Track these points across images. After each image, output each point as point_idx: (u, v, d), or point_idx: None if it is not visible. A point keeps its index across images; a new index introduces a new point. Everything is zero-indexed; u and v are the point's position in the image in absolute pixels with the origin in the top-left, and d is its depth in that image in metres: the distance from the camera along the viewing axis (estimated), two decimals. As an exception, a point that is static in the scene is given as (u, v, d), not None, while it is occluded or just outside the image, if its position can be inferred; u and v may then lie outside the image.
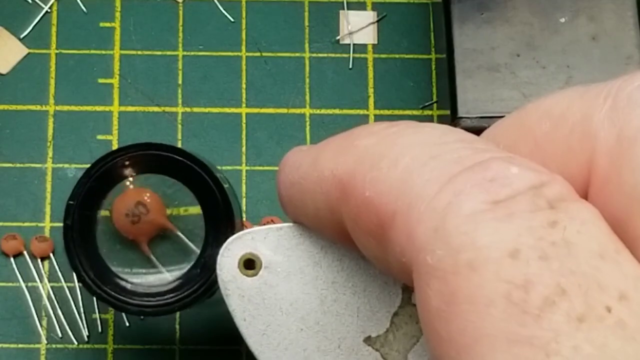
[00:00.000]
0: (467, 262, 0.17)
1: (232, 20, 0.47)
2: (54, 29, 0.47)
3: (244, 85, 0.47)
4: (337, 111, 0.47)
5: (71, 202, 0.36)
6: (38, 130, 0.46)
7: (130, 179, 0.37)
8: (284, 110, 0.46)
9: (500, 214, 0.17)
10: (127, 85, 0.46)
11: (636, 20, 0.43)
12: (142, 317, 0.42)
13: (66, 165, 0.45)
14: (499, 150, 0.20)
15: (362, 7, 0.48)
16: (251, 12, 0.47)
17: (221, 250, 0.26)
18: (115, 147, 0.46)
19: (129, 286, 0.37)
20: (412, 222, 0.19)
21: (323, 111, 0.46)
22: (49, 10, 0.47)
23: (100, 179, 0.36)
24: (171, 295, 0.36)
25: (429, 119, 0.46)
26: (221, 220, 0.35)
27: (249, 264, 0.25)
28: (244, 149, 0.46)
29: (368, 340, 0.25)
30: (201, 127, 0.46)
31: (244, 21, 0.47)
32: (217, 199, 0.35)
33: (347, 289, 0.25)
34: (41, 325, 0.43)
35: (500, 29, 0.43)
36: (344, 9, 0.48)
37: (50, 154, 0.45)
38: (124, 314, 0.42)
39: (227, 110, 0.46)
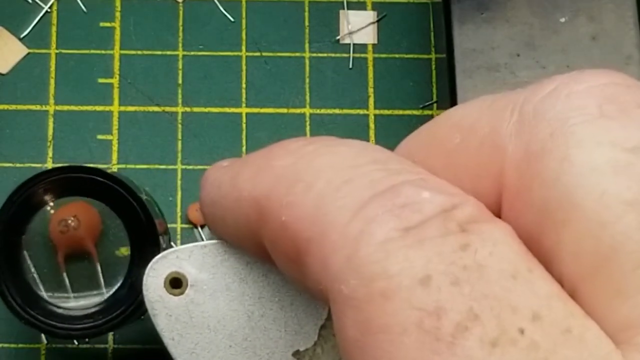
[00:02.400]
0: (380, 291, 0.17)
1: (232, 20, 0.47)
2: (54, 29, 0.47)
3: (244, 85, 0.47)
4: (337, 111, 0.47)
5: None
6: (38, 130, 0.46)
7: (52, 204, 0.37)
8: (284, 110, 0.46)
9: (411, 240, 0.17)
10: (127, 85, 0.46)
11: (636, 20, 0.43)
12: (74, 341, 0.42)
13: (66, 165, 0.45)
14: (413, 170, 0.19)
15: (362, 7, 0.48)
16: (251, 12, 0.47)
17: (147, 270, 0.26)
18: (115, 147, 0.46)
19: (57, 310, 0.36)
20: (326, 251, 0.18)
21: (323, 111, 0.46)
22: (49, 10, 0.47)
23: (23, 204, 0.36)
24: (99, 317, 0.36)
25: (429, 119, 0.46)
26: (146, 240, 0.35)
27: (175, 283, 0.25)
28: (244, 149, 0.46)
29: (297, 354, 0.25)
30: (201, 127, 0.46)
31: (244, 21, 0.47)
32: (140, 219, 0.35)
33: (274, 304, 0.25)
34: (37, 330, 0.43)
35: (500, 29, 0.43)
36: (344, 9, 0.48)
37: (50, 154, 0.45)
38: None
39: (227, 110, 0.46)
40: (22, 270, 0.37)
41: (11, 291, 0.36)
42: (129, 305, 0.35)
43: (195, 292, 0.25)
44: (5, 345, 0.43)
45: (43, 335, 0.43)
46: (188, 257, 0.25)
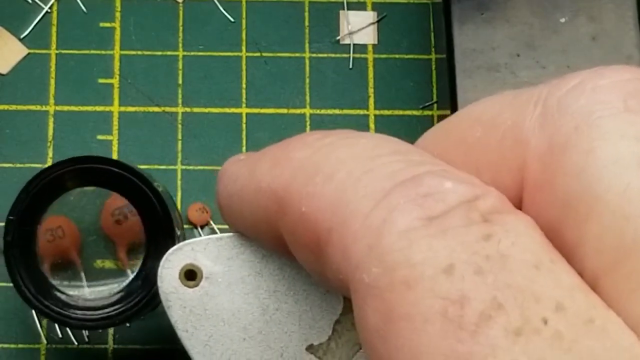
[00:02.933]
0: (403, 280, 0.17)
1: (232, 20, 0.47)
2: (54, 29, 0.47)
3: (244, 85, 0.47)
4: (337, 111, 0.47)
5: (11, 218, 0.36)
6: (38, 130, 0.46)
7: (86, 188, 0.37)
8: (284, 110, 0.46)
9: (434, 229, 0.17)
10: (127, 85, 0.46)
11: (636, 20, 0.43)
12: (85, 331, 0.42)
13: (66, 165, 0.45)
14: (434, 161, 0.19)
15: (362, 7, 0.48)
16: (251, 12, 0.47)
17: (162, 262, 0.26)
18: (115, 147, 0.46)
19: (70, 300, 0.37)
20: (347, 240, 0.18)
21: (323, 111, 0.46)
22: (49, 10, 0.47)
23: (38, 194, 0.36)
24: (113, 308, 0.36)
25: (429, 119, 0.46)
26: (161, 231, 0.35)
27: (190, 275, 0.25)
28: (244, 149, 0.46)
29: (310, 348, 0.25)
30: (201, 127, 0.46)
31: (244, 21, 0.47)
32: (156, 210, 0.35)
33: (288, 298, 0.25)
34: (41, 325, 0.43)
35: (500, 29, 0.43)
36: (344, 9, 0.48)
37: (50, 154, 0.45)
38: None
39: (227, 110, 0.46)
40: (36, 260, 0.37)
41: (25, 281, 0.36)
42: (144, 296, 0.35)
43: (210, 285, 0.25)
44: (5, 345, 0.43)
45: (43, 336, 0.43)
46: (203, 249, 0.25)
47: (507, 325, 0.16)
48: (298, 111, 0.46)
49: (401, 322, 0.17)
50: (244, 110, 0.46)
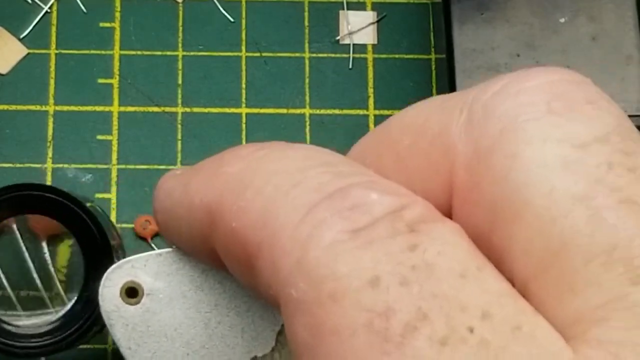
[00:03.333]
0: (329, 294, 0.17)
1: (232, 20, 0.47)
2: (54, 29, 0.47)
3: (244, 85, 0.47)
4: (337, 111, 0.47)
5: None
6: (38, 130, 0.46)
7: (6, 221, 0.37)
8: (284, 111, 0.46)
9: (359, 242, 0.17)
10: (127, 85, 0.46)
11: (636, 20, 0.43)
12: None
13: (66, 165, 0.45)
14: (363, 172, 0.19)
15: (362, 7, 0.48)
16: (251, 12, 0.47)
17: (102, 281, 0.25)
18: (115, 147, 0.46)
19: (13, 329, 0.36)
20: (275, 255, 0.18)
21: (323, 111, 0.46)
22: (49, 10, 0.47)
23: None
24: (57, 333, 0.36)
25: (429, 119, 0.46)
26: (99, 252, 0.35)
27: (131, 293, 0.25)
28: (244, 149, 0.46)
29: None
30: (201, 127, 0.46)
31: (244, 21, 0.47)
32: (93, 233, 0.35)
33: (230, 311, 0.25)
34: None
35: (500, 29, 0.43)
36: (344, 9, 0.48)
37: (50, 154, 0.45)
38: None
39: (226, 110, 0.46)
40: None
41: None
42: (87, 319, 0.35)
43: (152, 301, 0.25)
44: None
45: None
46: (143, 266, 0.25)
47: (433, 335, 0.16)
48: (298, 111, 0.46)
49: (329, 337, 0.17)
50: (243, 110, 0.46)
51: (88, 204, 0.36)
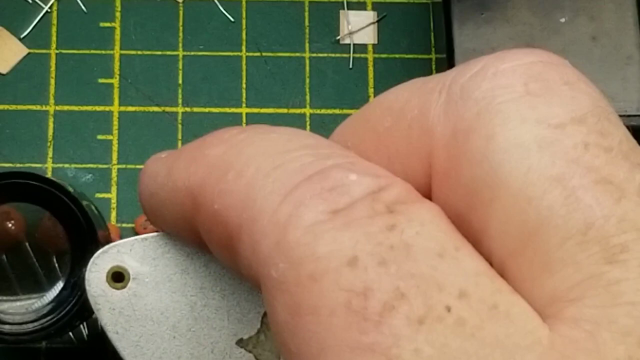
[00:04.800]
0: (309, 274, 0.17)
1: (232, 20, 0.47)
2: (54, 29, 0.47)
3: (244, 85, 0.47)
4: (337, 111, 0.47)
5: None
6: (38, 130, 0.46)
7: None
8: (284, 110, 0.46)
9: (339, 222, 0.17)
10: (127, 85, 0.46)
11: (636, 20, 0.43)
12: (21, 345, 0.42)
13: (66, 165, 0.45)
14: (343, 154, 0.20)
15: (362, 7, 0.48)
16: (251, 12, 0.48)
17: (88, 266, 0.26)
18: (115, 147, 0.46)
19: (1, 315, 0.37)
20: (256, 236, 0.19)
21: (323, 111, 0.46)
22: (49, 10, 0.47)
23: None
24: (46, 319, 0.36)
25: (429, 119, 0.46)
26: (85, 238, 0.35)
27: (117, 277, 0.25)
28: (244, 149, 0.46)
29: (240, 342, 0.25)
30: (201, 127, 0.46)
31: (244, 21, 0.47)
32: (78, 218, 0.36)
33: (215, 294, 0.25)
34: None
35: (500, 29, 0.43)
36: (344, 9, 0.48)
37: (50, 154, 0.45)
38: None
39: (227, 110, 0.46)
40: None
41: None
42: (75, 304, 0.35)
43: (138, 285, 0.25)
44: (6, 345, 0.43)
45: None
46: (129, 250, 0.26)
47: (410, 314, 0.16)
48: (298, 111, 0.46)
49: (308, 316, 0.17)
50: (244, 110, 0.46)
51: (84, 203, 0.36)
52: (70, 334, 0.43)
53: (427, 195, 0.19)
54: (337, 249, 0.17)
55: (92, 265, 0.26)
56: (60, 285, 0.37)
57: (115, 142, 0.46)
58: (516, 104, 0.18)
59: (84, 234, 0.36)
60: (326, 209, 0.18)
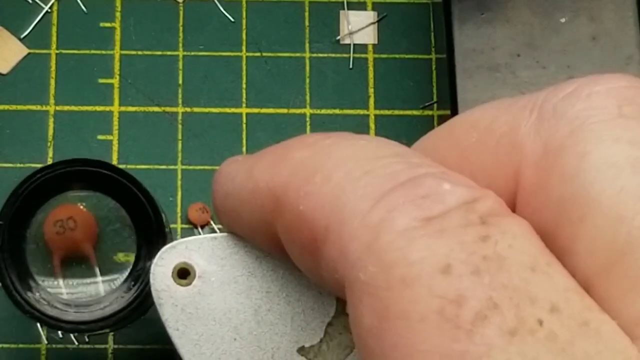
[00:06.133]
0: (400, 278, 0.17)
1: (232, 20, 0.47)
2: (54, 29, 0.47)
3: (244, 85, 0.47)
4: (337, 111, 0.47)
5: (0, 223, 0.36)
6: (38, 130, 0.46)
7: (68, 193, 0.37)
8: (284, 110, 0.46)
9: (432, 230, 0.18)
10: (127, 85, 0.46)
11: (636, 20, 0.43)
12: (75, 340, 0.42)
13: (66, 165, 0.45)
14: (433, 164, 0.20)
15: (362, 7, 0.48)
16: (251, 12, 0.48)
17: (155, 260, 0.26)
18: (115, 147, 0.46)
19: (61, 306, 0.36)
20: (344, 238, 0.19)
21: (323, 111, 0.46)
22: (49, 10, 0.47)
23: (28, 198, 0.36)
24: (105, 311, 0.36)
25: (429, 119, 0.46)
26: (153, 232, 0.35)
27: (183, 274, 0.25)
28: (244, 149, 0.46)
29: (302, 350, 0.25)
30: (201, 127, 0.46)
31: (244, 21, 0.47)
32: (147, 211, 0.35)
33: (281, 299, 0.25)
34: (41, 325, 0.43)
35: (501, 29, 0.43)
36: (344, 9, 0.48)
37: (50, 154, 0.45)
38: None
39: (227, 110, 0.46)
40: (27, 264, 0.37)
41: (15, 285, 0.36)
42: (136, 297, 0.35)
43: (203, 284, 0.25)
44: (5, 345, 0.43)
45: (44, 336, 0.43)
46: (197, 248, 0.25)
47: (503, 325, 0.16)
48: (298, 111, 0.46)
49: (397, 321, 0.17)
50: (244, 110, 0.46)
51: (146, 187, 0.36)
52: (71, 334, 0.43)
53: (510, 210, 0.19)
54: (430, 255, 0.17)
55: (158, 259, 0.25)
56: (124, 275, 0.36)
57: (115, 142, 0.46)
58: (610, 125, 0.18)
59: (152, 226, 0.35)
60: (419, 216, 0.18)
